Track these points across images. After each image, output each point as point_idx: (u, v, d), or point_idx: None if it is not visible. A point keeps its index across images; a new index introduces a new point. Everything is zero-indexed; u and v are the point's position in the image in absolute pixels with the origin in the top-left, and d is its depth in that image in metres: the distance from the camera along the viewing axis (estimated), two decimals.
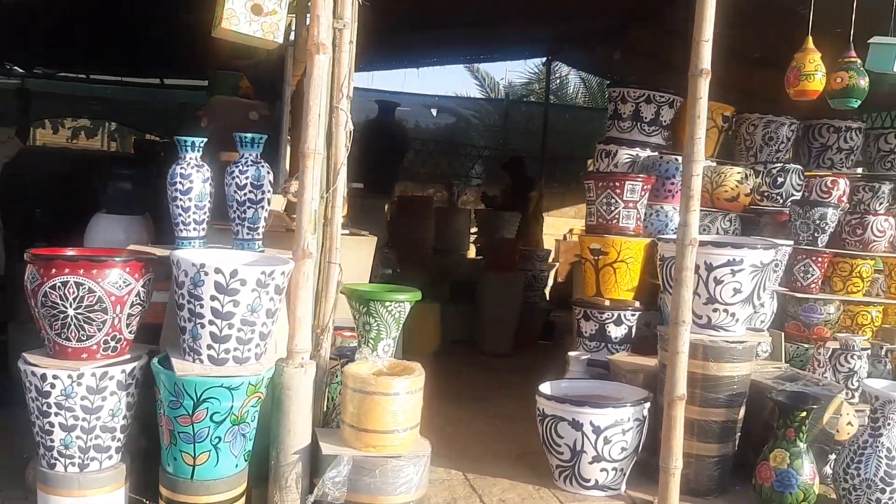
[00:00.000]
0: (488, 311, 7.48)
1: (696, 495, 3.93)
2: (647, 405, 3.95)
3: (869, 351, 4.87)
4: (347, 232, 5.07)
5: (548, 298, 8.87)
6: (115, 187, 4.66)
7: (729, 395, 3.91)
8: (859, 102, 3.98)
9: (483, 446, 4.70)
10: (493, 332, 7.50)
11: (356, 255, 4.93)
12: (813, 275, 5.07)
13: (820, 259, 5.05)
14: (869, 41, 3.98)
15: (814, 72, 3.82)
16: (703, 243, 3.90)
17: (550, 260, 9.47)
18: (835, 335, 4.84)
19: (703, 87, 3.59)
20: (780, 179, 5.34)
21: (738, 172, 5.30)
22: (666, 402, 3.57)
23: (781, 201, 5.37)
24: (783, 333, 4.75)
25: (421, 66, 11.76)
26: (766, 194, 5.39)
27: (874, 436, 3.73)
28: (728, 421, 3.95)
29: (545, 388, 4.11)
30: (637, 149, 5.47)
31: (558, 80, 16.56)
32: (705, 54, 3.57)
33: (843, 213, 5.28)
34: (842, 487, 3.75)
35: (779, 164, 5.38)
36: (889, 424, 3.72)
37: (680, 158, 5.25)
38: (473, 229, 9.57)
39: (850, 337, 4.76)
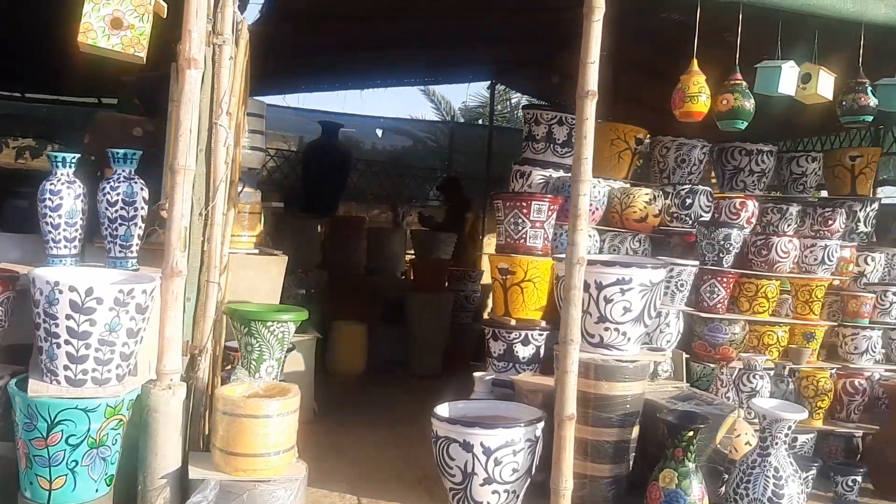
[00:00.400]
0: (417, 332, 7.43)
1: None
2: (541, 425, 3.92)
3: (772, 371, 4.92)
4: (257, 251, 5.03)
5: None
6: (11, 205, 4.56)
7: (622, 415, 3.90)
8: (745, 124, 4.04)
9: (388, 470, 4.63)
10: (422, 353, 7.44)
11: (266, 275, 4.87)
12: (718, 295, 5.11)
13: (725, 279, 5.10)
14: (756, 65, 4.06)
15: (698, 94, 3.87)
16: (592, 262, 3.92)
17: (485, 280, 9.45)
18: (739, 355, 4.88)
19: (590, 108, 3.62)
20: (688, 201, 5.40)
21: (647, 194, 5.35)
22: (556, 422, 3.56)
23: (690, 222, 5.42)
24: (685, 353, 4.77)
25: (368, 87, 11.78)
26: (675, 215, 5.45)
27: (763, 455, 3.74)
28: (621, 441, 3.94)
29: (441, 409, 4.06)
30: (550, 170, 5.51)
31: (509, 103, 16.76)
32: (591, 76, 3.61)
33: (751, 235, 5.34)
34: None
35: (687, 186, 5.44)
36: (777, 444, 3.73)
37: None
38: (410, 250, 9.54)
39: (752, 357, 4.80)
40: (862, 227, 6.37)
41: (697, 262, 5.10)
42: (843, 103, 4.44)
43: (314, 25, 6.42)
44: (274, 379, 3.52)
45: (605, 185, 5.40)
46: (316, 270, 6.94)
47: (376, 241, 8.67)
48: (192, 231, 3.33)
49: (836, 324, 5.43)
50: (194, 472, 3.05)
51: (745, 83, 3.96)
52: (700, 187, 5.43)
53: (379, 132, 13.41)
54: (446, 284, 7.71)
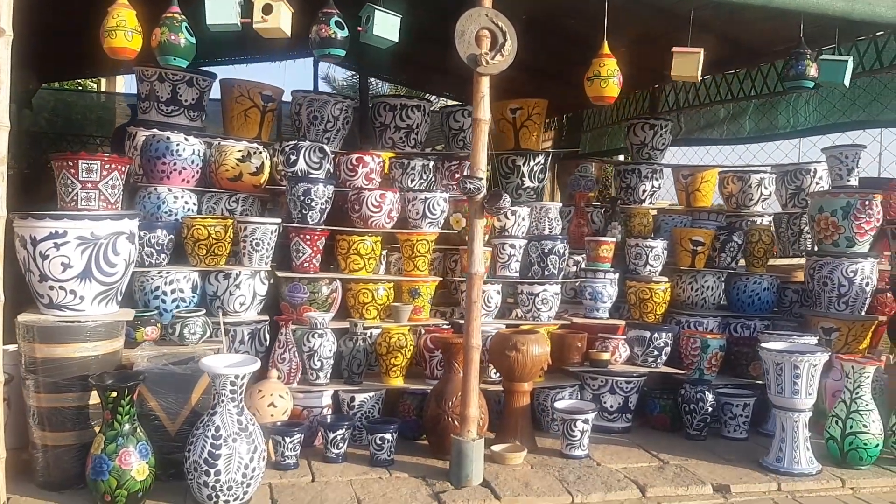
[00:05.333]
0: None
1: (54, 488, 3.64)
2: None
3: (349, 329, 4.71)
4: None
5: None
6: None
7: (82, 379, 3.64)
8: (186, 62, 3.77)
9: None
10: None
11: None
12: (304, 253, 4.86)
13: (309, 237, 4.86)
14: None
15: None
16: (23, 215, 3.65)
17: None
18: (308, 315, 4.65)
19: None
20: (293, 157, 5.13)
21: (239, 151, 5.09)
22: None
23: None
24: (221, 313, 4.52)
25: None
26: (283, 173, 5.19)
27: (211, 415, 3.52)
28: (85, 406, 3.68)
29: None
30: (155, 129, 5.22)
31: None
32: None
33: (358, 190, 5.10)
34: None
35: (292, 142, 5.18)
36: (224, 401, 3.51)
37: (171, 136, 5.05)
38: None
39: (313, 315, 4.58)
40: (528, 182, 6.21)
41: (271, 220, 4.83)
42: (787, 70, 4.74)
43: None
44: None
45: (195, 142, 5.12)
46: None
47: None
48: None
49: (438, 279, 5.24)
50: None
51: (180, 16, 3.68)
52: (306, 143, 5.17)
53: None
54: None
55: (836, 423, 4.41)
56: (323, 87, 16.66)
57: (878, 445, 4.36)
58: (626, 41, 5.90)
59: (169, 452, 3.73)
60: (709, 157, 8.71)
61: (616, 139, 8.69)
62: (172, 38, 3.61)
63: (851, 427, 4.35)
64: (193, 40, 3.73)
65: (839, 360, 4.57)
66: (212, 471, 3.42)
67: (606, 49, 4.26)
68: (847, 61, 4.60)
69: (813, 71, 4.54)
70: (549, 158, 6.44)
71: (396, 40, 4.00)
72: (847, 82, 4.71)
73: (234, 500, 3.48)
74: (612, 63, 4.21)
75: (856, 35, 6.11)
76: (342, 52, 3.87)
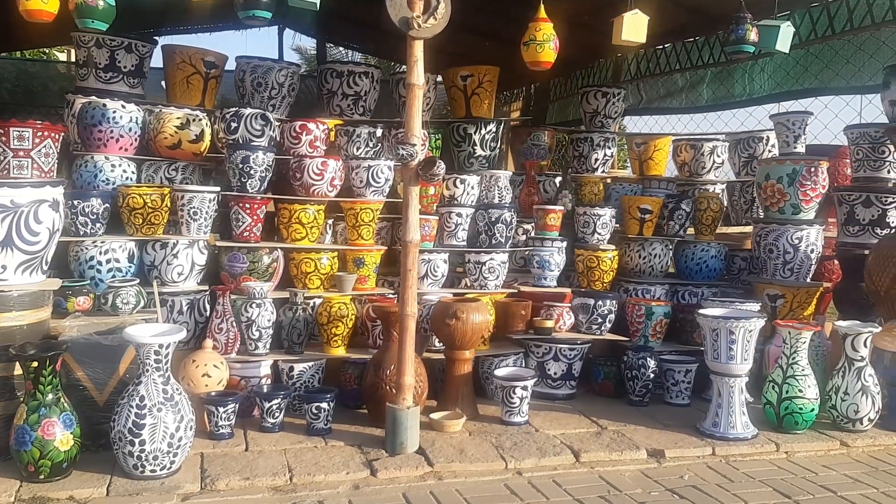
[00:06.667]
0: None
1: None
2: None
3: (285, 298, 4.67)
4: None
5: None
6: None
7: (6, 349, 3.57)
8: (105, 25, 3.67)
9: None
10: None
11: None
12: (244, 222, 4.80)
13: (248, 205, 4.79)
14: None
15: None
16: None
17: None
18: (246, 285, 4.59)
19: None
20: (233, 125, 5.05)
21: (178, 118, 4.99)
22: None
23: None
24: (158, 283, 4.47)
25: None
26: (224, 141, 5.11)
27: (136, 385, 3.48)
28: (10, 376, 3.62)
29: None
30: (93, 96, 5.10)
31: None
32: None
33: (299, 158, 5.03)
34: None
35: (232, 110, 5.09)
36: (149, 371, 3.47)
37: (108, 104, 4.95)
38: None
39: (251, 285, 4.53)
40: (479, 151, 6.16)
41: (209, 189, 4.76)
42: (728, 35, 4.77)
43: None
44: None
45: (134, 109, 5.02)
46: None
47: None
48: None
49: (383, 248, 5.19)
50: None
51: None
52: (247, 110, 5.09)
53: None
54: None
55: (773, 388, 4.45)
56: (294, 56, 16.51)
57: (813, 410, 4.40)
58: (590, 8, 5.87)
59: (97, 423, 3.69)
60: (669, 126, 8.76)
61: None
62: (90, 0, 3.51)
63: (787, 392, 4.38)
64: (112, 3, 3.64)
65: (777, 325, 4.60)
66: (136, 441, 3.39)
67: (542, 13, 4.21)
68: (779, 27, 4.58)
69: (753, 36, 4.52)
70: (502, 127, 6.39)
71: (317, 8, 3.89)
72: (783, 48, 4.68)
73: (161, 469, 3.45)
74: (548, 27, 4.16)
75: (808, 1, 6.10)
76: (268, 15, 3.79)
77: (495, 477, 3.74)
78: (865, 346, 4.47)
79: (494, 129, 6.17)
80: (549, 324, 5.04)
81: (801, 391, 4.37)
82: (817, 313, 5.62)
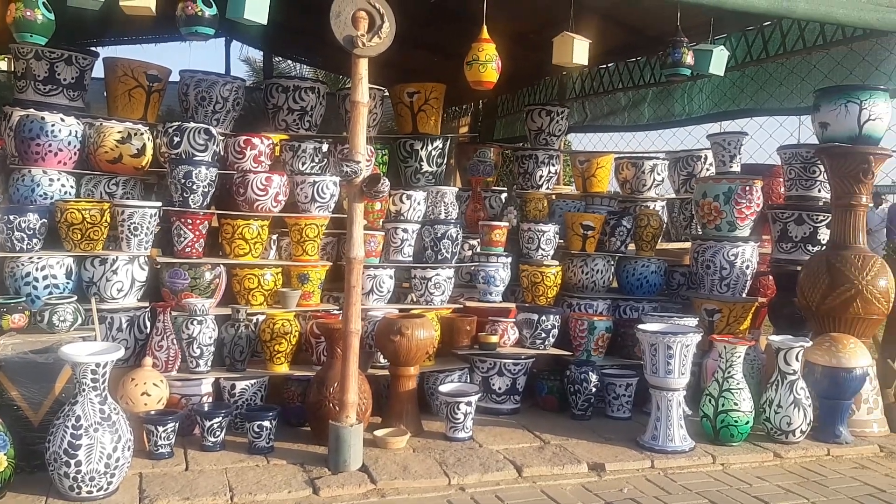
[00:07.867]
0: None
1: None
2: None
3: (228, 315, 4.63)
4: None
5: None
6: None
7: None
8: (44, 39, 3.63)
9: None
10: None
11: None
12: (186, 238, 4.75)
13: (190, 221, 4.75)
14: None
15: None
16: None
17: None
18: (187, 301, 4.54)
19: None
20: (176, 139, 5.00)
21: (119, 132, 4.92)
22: None
23: None
24: (97, 300, 4.39)
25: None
26: (167, 155, 5.05)
27: (72, 404, 3.41)
28: None
29: None
30: (31, 109, 4.99)
31: None
32: None
33: (243, 173, 5.00)
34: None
35: (175, 124, 5.04)
36: (85, 390, 3.40)
37: (46, 117, 4.86)
38: None
39: (193, 302, 4.48)
40: (426, 167, 6.20)
41: (149, 204, 4.69)
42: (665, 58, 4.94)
43: None
44: None
45: (73, 122, 4.93)
46: None
47: None
48: None
49: (328, 264, 5.19)
50: None
51: None
52: (191, 125, 5.04)
53: None
54: None
55: (710, 401, 4.56)
56: (242, 68, 16.34)
57: (748, 423, 4.53)
58: (535, 26, 5.95)
59: (32, 443, 3.60)
60: (612, 144, 8.93)
61: None
62: (28, 14, 3.46)
63: (723, 405, 4.51)
64: (52, 16, 3.58)
65: (713, 340, 4.73)
66: (72, 461, 3.32)
67: (485, 34, 4.28)
68: (712, 51, 4.74)
69: (689, 59, 4.66)
70: (449, 143, 6.45)
71: (265, 23, 3.90)
72: (717, 71, 4.84)
73: (98, 490, 3.39)
74: (490, 48, 4.23)
75: (743, 25, 6.31)
76: (211, 31, 3.78)
77: (438, 493, 3.76)
78: (797, 359, 4.62)
79: (441, 146, 6.22)
80: (494, 339, 5.09)
81: (736, 404, 4.50)
82: (753, 328, 5.80)
